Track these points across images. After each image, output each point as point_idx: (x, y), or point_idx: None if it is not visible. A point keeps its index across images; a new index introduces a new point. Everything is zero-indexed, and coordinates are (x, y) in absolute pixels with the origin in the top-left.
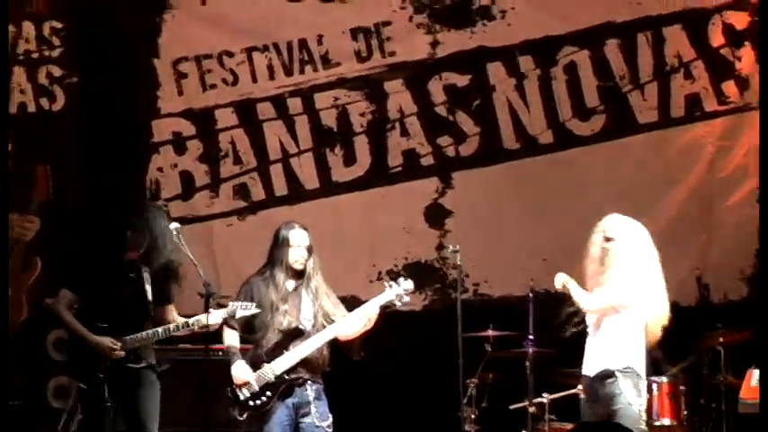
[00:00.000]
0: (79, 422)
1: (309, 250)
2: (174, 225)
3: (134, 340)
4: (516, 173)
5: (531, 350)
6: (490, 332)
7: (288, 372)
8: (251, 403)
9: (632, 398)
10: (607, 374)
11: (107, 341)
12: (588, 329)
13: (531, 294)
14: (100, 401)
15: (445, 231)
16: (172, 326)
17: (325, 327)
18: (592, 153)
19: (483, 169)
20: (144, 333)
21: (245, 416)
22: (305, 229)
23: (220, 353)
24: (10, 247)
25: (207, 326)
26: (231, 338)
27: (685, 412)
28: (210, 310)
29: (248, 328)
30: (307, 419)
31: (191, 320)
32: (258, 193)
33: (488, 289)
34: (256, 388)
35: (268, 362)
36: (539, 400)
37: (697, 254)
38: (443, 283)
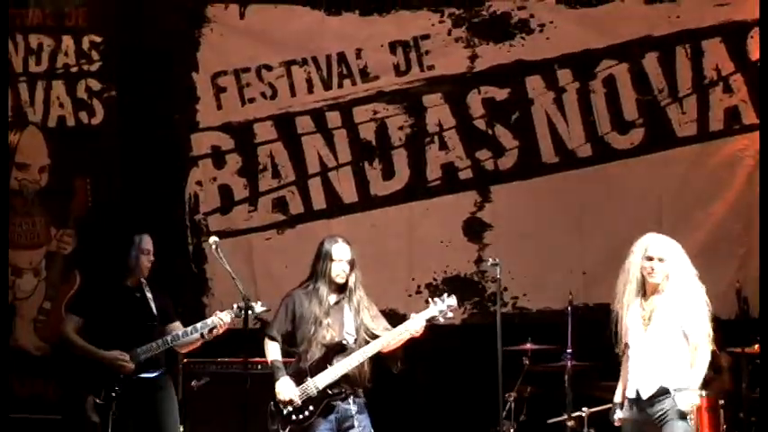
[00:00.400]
0: None
1: (351, 264)
2: (213, 239)
3: (144, 351)
4: (555, 186)
5: (569, 364)
6: (529, 346)
7: (330, 387)
8: (293, 417)
9: (685, 414)
10: (662, 392)
11: (116, 354)
12: (632, 351)
13: (569, 308)
14: (119, 416)
15: (484, 245)
16: (180, 332)
17: (366, 341)
18: (630, 166)
19: (521, 183)
20: (153, 343)
21: (287, 430)
22: (348, 243)
23: (259, 366)
24: (51, 261)
25: (215, 328)
26: (273, 352)
27: (725, 426)
28: (216, 312)
29: (291, 342)
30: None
31: (198, 325)
32: (297, 206)
33: (527, 302)
34: (299, 403)
35: (311, 376)
36: (577, 414)
37: (736, 267)
38: (482, 297)
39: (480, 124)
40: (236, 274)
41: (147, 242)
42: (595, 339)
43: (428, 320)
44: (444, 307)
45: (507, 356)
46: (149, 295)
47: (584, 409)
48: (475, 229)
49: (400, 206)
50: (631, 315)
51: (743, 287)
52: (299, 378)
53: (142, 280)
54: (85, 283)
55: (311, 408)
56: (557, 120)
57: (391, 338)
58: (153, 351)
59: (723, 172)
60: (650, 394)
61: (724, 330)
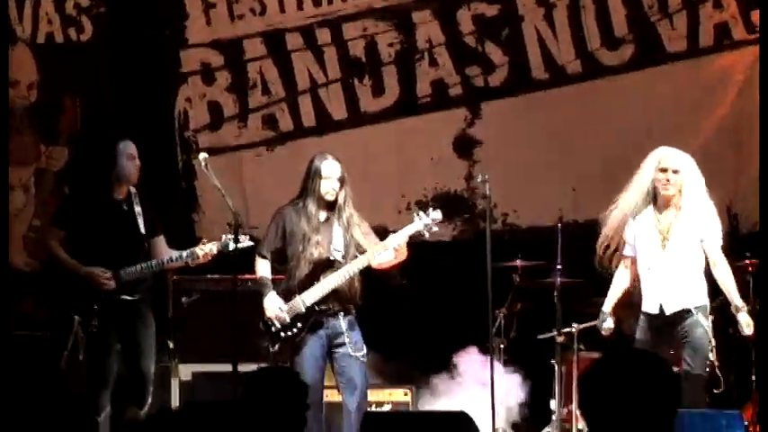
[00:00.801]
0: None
1: (341, 182)
2: (201, 155)
3: (128, 273)
4: (545, 103)
5: (559, 280)
6: (519, 262)
7: (318, 303)
8: (282, 335)
9: (708, 334)
10: (687, 310)
11: (96, 270)
12: (649, 266)
13: (559, 224)
14: (98, 333)
15: (474, 161)
16: (165, 258)
17: (356, 257)
18: (620, 83)
19: (511, 99)
20: (138, 266)
21: (276, 347)
22: (338, 160)
23: (249, 283)
24: (40, 177)
25: (200, 257)
26: (263, 269)
27: (714, 341)
28: (204, 241)
29: (281, 259)
30: (341, 350)
31: (184, 253)
32: (286, 123)
33: (517, 219)
34: (287, 319)
35: (299, 293)
36: (567, 329)
37: (727, 183)
38: (472, 214)
39: (470, 41)
40: (226, 190)
41: (131, 147)
42: (585, 256)
43: (413, 235)
44: (429, 221)
45: (497, 273)
46: (138, 209)
47: (573, 324)
48: (465, 145)
49: (390, 123)
50: (643, 229)
51: (733, 204)
52: (288, 296)
53: (132, 190)
54: (71, 195)
55: (299, 324)
56: (546, 36)
57: (376, 253)
58: (136, 274)
59: (713, 88)
60: (675, 311)
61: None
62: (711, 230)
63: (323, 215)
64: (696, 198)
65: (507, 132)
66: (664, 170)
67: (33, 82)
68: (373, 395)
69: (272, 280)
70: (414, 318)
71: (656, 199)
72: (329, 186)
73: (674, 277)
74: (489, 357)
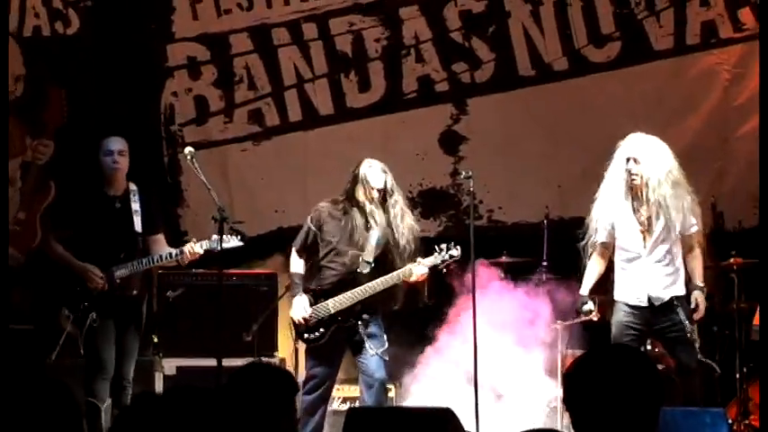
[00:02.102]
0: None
1: (384, 191)
2: (187, 149)
3: (120, 271)
4: (531, 99)
5: (544, 277)
6: (504, 258)
7: (340, 313)
8: (305, 336)
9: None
10: (672, 302)
11: (87, 266)
12: (633, 257)
13: (545, 221)
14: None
15: (459, 158)
16: (156, 256)
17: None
18: (607, 80)
19: (498, 95)
20: (130, 264)
21: (298, 345)
22: (385, 171)
23: (234, 278)
24: (26, 171)
25: (188, 256)
26: (295, 266)
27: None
28: (194, 240)
29: (313, 257)
30: (361, 346)
31: (174, 251)
32: (272, 118)
33: (503, 215)
34: (312, 322)
35: (324, 298)
36: (552, 326)
37: (712, 181)
38: (457, 210)
39: (457, 37)
40: (212, 185)
41: (113, 143)
42: (570, 252)
43: (431, 268)
44: (447, 257)
45: None
46: (135, 206)
47: (558, 321)
48: (451, 141)
49: (376, 118)
50: (622, 220)
51: (717, 201)
52: (315, 297)
53: (132, 187)
54: (63, 194)
55: (321, 329)
56: (533, 33)
57: (390, 281)
58: (129, 272)
59: (699, 86)
60: (663, 302)
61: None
62: (687, 220)
63: (361, 222)
64: (665, 186)
65: (493, 129)
66: (627, 160)
67: (20, 75)
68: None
69: (260, 275)
70: (397, 315)
71: (631, 189)
72: (371, 195)
73: (658, 270)
74: (474, 356)
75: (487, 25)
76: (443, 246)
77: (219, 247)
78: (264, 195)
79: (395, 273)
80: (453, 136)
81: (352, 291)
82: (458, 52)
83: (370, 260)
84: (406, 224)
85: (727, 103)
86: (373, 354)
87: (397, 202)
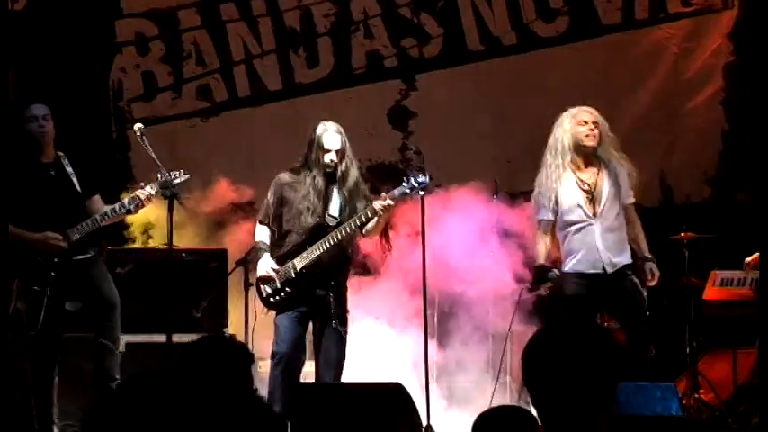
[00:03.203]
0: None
1: (342, 152)
2: (137, 126)
3: (75, 232)
4: (480, 74)
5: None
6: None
7: (308, 268)
8: (272, 299)
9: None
10: (625, 268)
11: (47, 234)
12: (581, 226)
13: (494, 196)
14: (53, 301)
15: (408, 133)
16: (109, 209)
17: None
18: (556, 55)
19: (446, 71)
20: (84, 223)
21: (266, 312)
22: (340, 132)
23: (183, 254)
24: None
25: (142, 201)
26: (261, 234)
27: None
28: (142, 184)
29: (279, 225)
30: (324, 321)
31: (125, 201)
32: (221, 94)
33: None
34: (278, 284)
35: (291, 259)
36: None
37: (660, 156)
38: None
39: (405, 12)
40: (161, 161)
41: (36, 109)
42: (519, 226)
43: (400, 199)
44: (415, 184)
45: None
46: (69, 169)
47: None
48: (400, 117)
49: (325, 94)
50: (569, 190)
51: (666, 176)
52: (281, 262)
53: (59, 153)
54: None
55: (288, 289)
56: (482, 7)
57: (367, 224)
58: (84, 231)
59: (647, 61)
60: (616, 269)
61: (649, 218)
62: (629, 189)
63: (322, 183)
64: (613, 154)
65: (442, 104)
66: (584, 123)
67: None
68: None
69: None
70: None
71: (575, 160)
72: (329, 158)
73: (609, 236)
74: (424, 334)
75: (436, 0)
76: (410, 175)
77: (173, 183)
78: (212, 171)
79: (359, 213)
80: (402, 111)
81: (317, 243)
82: (406, 27)
83: (336, 214)
84: (361, 184)
85: (675, 77)
86: (334, 329)
87: (352, 162)
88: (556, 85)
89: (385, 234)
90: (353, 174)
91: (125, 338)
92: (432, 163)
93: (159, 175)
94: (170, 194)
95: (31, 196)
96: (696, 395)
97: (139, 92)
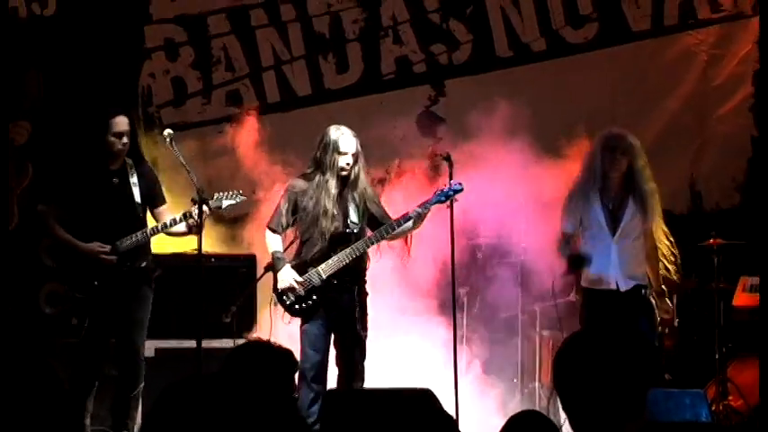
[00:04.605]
0: (74, 328)
1: (356, 156)
2: (167, 131)
3: (125, 244)
4: (509, 80)
5: (522, 258)
6: (481, 240)
7: (334, 276)
8: (296, 307)
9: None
10: (639, 288)
11: (95, 246)
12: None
13: (523, 201)
14: (99, 309)
15: (437, 139)
16: (160, 224)
17: (370, 231)
18: (585, 61)
19: (475, 77)
20: (134, 235)
21: (290, 321)
22: (354, 135)
23: (213, 259)
24: None
25: (195, 220)
26: (275, 243)
27: (677, 320)
28: (194, 199)
29: (297, 233)
30: (349, 327)
31: (177, 216)
32: (250, 99)
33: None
34: (302, 292)
35: (314, 266)
36: (531, 308)
37: (690, 162)
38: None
39: (435, 18)
40: (190, 167)
41: (121, 124)
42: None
43: (432, 205)
44: (450, 192)
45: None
46: (133, 179)
47: (537, 304)
48: (428, 123)
49: (354, 100)
50: (593, 208)
51: (696, 181)
52: (302, 270)
53: (127, 161)
54: (62, 170)
55: (314, 297)
56: (511, 14)
57: (393, 230)
58: (134, 243)
59: (677, 67)
60: (628, 288)
61: (678, 225)
62: (656, 215)
63: (337, 189)
64: (641, 181)
65: (471, 110)
66: (612, 150)
67: None
68: None
69: (239, 256)
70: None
71: (604, 180)
72: (345, 162)
73: (626, 255)
74: (453, 334)
75: (465, 6)
76: (443, 187)
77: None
78: (243, 176)
79: (388, 222)
80: (431, 117)
81: (343, 252)
82: (435, 33)
83: (356, 221)
84: (370, 188)
85: (705, 83)
86: (358, 335)
87: (363, 167)
88: (585, 91)
89: (408, 239)
90: (363, 178)
91: (155, 344)
92: (460, 169)
93: (215, 195)
94: (199, 200)
95: (90, 203)
96: (725, 401)
97: (169, 97)
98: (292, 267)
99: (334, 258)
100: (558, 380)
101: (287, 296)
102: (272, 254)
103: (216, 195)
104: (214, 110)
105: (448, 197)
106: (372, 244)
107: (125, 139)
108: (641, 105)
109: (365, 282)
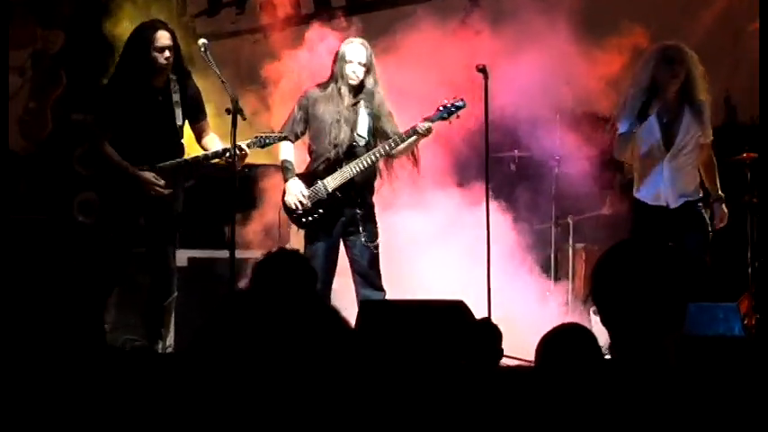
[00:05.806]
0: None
1: (367, 67)
2: (202, 41)
3: (163, 170)
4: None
5: (556, 170)
6: (516, 153)
7: (340, 189)
8: (303, 220)
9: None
10: (689, 204)
11: (150, 176)
12: (654, 161)
13: (558, 115)
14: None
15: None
16: (201, 155)
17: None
18: None
19: None
20: (176, 161)
21: (298, 231)
22: (365, 45)
23: (246, 169)
24: (37, 60)
25: (238, 154)
26: (286, 152)
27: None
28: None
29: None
30: (355, 239)
31: (219, 150)
32: (284, 8)
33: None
34: (309, 204)
35: (321, 178)
36: (563, 220)
37: (725, 75)
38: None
39: None
40: (225, 77)
41: (162, 39)
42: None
43: (436, 121)
44: (453, 109)
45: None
46: (176, 97)
47: (570, 216)
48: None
49: (387, 11)
50: (649, 121)
51: (731, 95)
52: (310, 181)
53: (172, 77)
54: (108, 86)
55: (320, 210)
56: None
57: (400, 145)
58: (172, 170)
59: None
60: (678, 205)
61: (714, 138)
62: (709, 127)
63: (350, 99)
64: (698, 92)
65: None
66: (669, 62)
67: None
68: None
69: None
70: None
71: (657, 93)
72: (351, 70)
73: (678, 172)
74: (487, 254)
75: None
76: (445, 102)
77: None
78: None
79: (394, 135)
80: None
81: (350, 164)
82: None
83: (365, 134)
84: (388, 107)
85: None
86: (366, 245)
87: (377, 82)
88: (619, 4)
89: (412, 153)
90: (380, 94)
91: (188, 253)
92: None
93: (255, 137)
94: (234, 110)
95: (134, 122)
96: (758, 315)
97: (203, 7)
98: (301, 178)
99: (340, 171)
100: (597, 292)
101: (294, 208)
102: (282, 162)
103: (256, 136)
104: (248, 20)
105: (450, 113)
106: (378, 158)
107: (167, 53)
108: (676, 19)
109: (372, 193)
